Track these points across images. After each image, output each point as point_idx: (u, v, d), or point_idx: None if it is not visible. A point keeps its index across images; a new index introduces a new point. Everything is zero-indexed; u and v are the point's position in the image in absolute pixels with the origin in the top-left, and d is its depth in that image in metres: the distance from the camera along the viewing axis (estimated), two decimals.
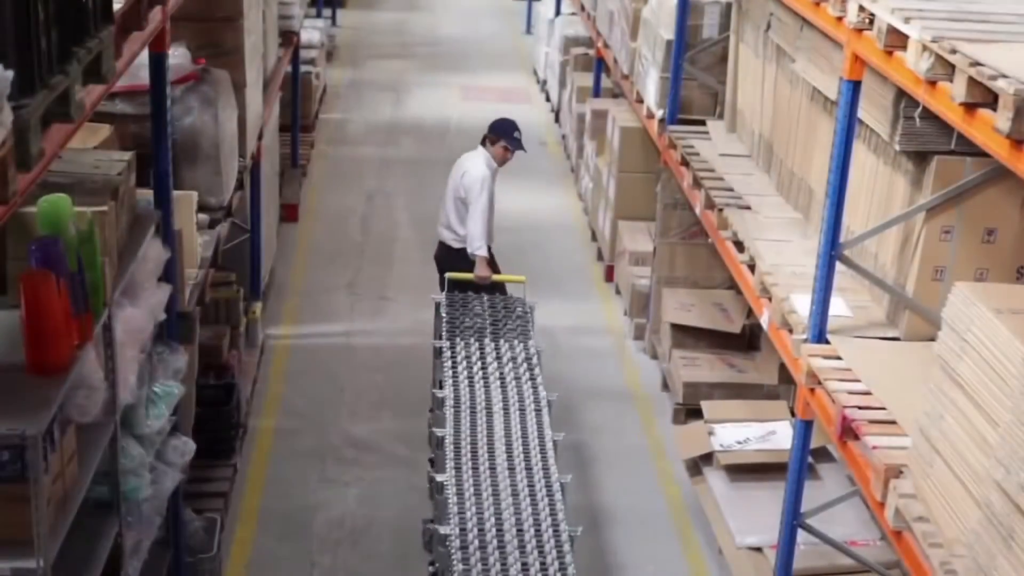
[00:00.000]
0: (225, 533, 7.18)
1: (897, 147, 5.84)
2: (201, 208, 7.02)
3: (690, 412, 8.50)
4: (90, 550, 4.84)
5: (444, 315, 7.46)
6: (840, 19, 5.54)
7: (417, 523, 7.13)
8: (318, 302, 10.42)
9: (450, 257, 8.65)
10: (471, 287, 8.05)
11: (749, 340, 9.02)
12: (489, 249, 8.65)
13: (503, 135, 8.68)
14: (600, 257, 11.40)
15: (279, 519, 7.58)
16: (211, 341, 7.85)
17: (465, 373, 6.89)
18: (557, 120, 15.14)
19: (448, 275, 8.07)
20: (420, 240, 11.22)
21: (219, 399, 7.75)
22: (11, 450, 3.99)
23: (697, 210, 8.19)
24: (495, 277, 8.43)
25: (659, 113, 9.43)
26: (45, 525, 4.10)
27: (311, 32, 14.47)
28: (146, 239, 5.48)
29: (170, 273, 5.91)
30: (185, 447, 6.05)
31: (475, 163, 8.67)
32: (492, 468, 6.14)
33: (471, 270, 8.43)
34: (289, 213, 11.83)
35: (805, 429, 5.88)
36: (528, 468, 6.19)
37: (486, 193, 8.51)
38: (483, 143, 8.77)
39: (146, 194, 5.91)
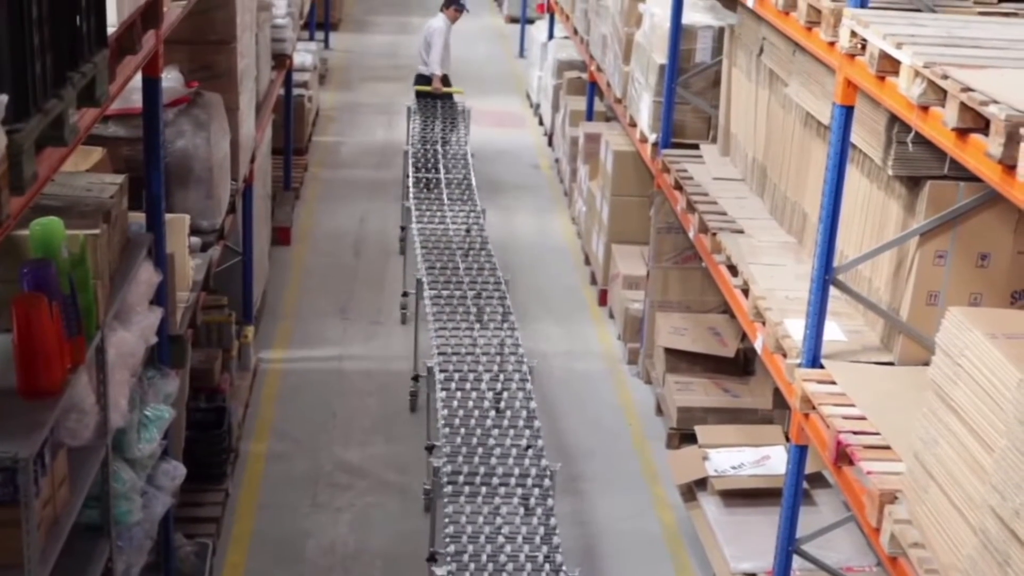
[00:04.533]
0: (217, 558, 7.15)
1: (890, 172, 5.85)
2: (193, 231, 7.02)
3: (684, 437, 8.48)
4: (80, 574, 4.82)
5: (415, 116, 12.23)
6: (832, 44, 5.56)
7: (408, 549, 7.10)
8: (310, 326, 10.40)
9: (423, 80, 13.28)
10: (430, 95, 12.91)
11: (743, 365, 9.01)
12: (446, 76, 13.29)
13: (455, 2, 13.41)
14: (593, 281, 11.40)
15: (271, 544, 7.54)
16: (203, 364, 7.82)
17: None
18: (550, 144, 15.16)
19: (415, 87, 13.16)
20: (413, 265, 11.18)
21: (210, 423, 7.72)
22: (2, 473, 3.98)
23: (691, 234, 8.20)
24: (444, 89, 13.10)
25: (652, 137, 9.44)
26: (36, 549, 4.08)
27: (304, 55, 14.52)
28: (138, 262, 5.47)
29: (162, 296, 5.90)
30: (175, 471, 6.04)
31: (437, 21, 13.36)
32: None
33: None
34: (281, 236, 11.82)
35: (800, 454, 5.86)
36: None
37: (443, 39, 13.22)
38: (442, 10, 13.41)
39: (138, 217, 5.90)
